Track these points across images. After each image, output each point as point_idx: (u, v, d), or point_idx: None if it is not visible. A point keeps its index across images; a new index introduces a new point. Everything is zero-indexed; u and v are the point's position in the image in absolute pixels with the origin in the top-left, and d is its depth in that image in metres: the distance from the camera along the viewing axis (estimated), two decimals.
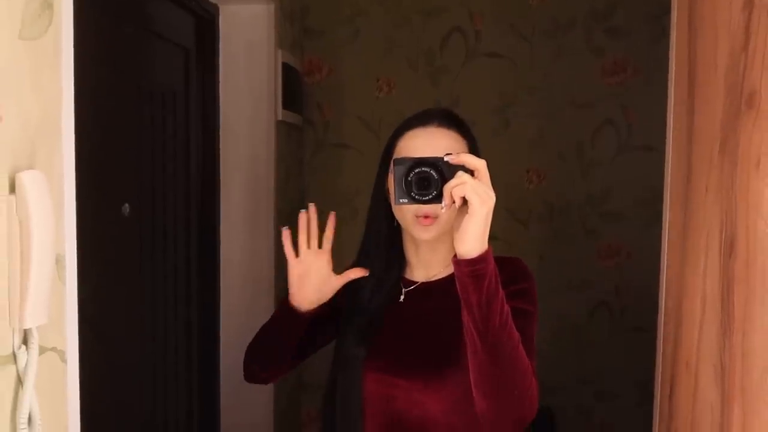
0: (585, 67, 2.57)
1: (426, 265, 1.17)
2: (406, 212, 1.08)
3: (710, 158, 0.98)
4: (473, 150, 1.11)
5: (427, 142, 1.07)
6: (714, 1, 0.98)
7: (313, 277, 1.14)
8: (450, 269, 1.12)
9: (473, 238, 0.90)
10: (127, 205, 1.52)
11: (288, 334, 1.17)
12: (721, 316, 0.93)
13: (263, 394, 2.10)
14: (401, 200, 0.98)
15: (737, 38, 0.90)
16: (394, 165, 0.99)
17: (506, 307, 0.94)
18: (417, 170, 0.96)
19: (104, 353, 1.39)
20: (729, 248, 0.90)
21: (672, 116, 1.16)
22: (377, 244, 1.18)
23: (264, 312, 2.12)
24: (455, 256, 0.93)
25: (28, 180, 0.77)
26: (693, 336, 1.03)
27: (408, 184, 0.97)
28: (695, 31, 1.06)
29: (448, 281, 1.12)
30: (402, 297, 1.17)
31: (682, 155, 1.11)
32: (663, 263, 1.19)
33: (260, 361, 1.23)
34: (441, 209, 0.94)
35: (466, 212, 0.91)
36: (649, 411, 2.54)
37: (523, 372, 0.95)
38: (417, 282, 1.18)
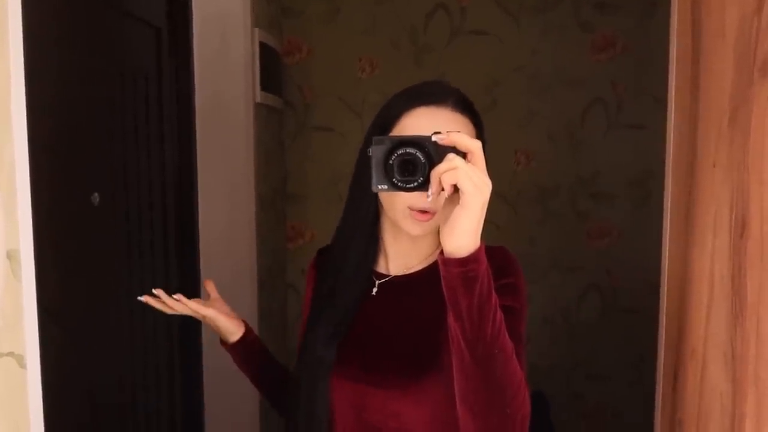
0: (573, 43, 2.50)
1: (404, 257, 1.04)
2: (399, 203, 0.94)
3: (718, 132, 0.91)
4: (479, 138, 0.96)
5: (441, 126, 0.88)
6: None
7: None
8: (428, 261, 1.03)
9: (465, 234, 0.77)
10: (96, 194, 1.42)
11: (242, 366, 1.18)
12: (731, 300, 0.87)
13: (247, 388, 2.04)
14: (380, 186, 0.83)
15: (748, 2, 0.83)
16: (372, 145, 0.83)
17: (499, 314, 0.82)
18: (400, 151, 0.81)
19: (74, 354, 1.31)
20: (740, 227, 0.85)
21: (673, 89, 1.09)
22: (360, 229, 1.04)
23: (246, 301, 2.06)
24: (441, 253, 0.80)
25: None
26: (700, 321, 0.97)
27: (389, 167, 0.82)
28: None
29: (425, 275, 1.02)
30: (375, 290, 1.04)
31: (684, 130, 1.05)
32: (664, 244, 1.13)
33: (261, 393, 1.24)
34: (427, 198, 0.80)
35: (457, 202, 0.77)
36: (641, 391, 2.51)
37: (516, 386, 0.83)
38: (390, 275, 1.05)
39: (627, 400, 2.57)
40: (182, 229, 1.90)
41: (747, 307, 0.84)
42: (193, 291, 1.95)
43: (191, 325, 1.95)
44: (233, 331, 1.14)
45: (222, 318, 1.13)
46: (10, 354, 0.81)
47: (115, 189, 1.53)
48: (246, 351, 1.15)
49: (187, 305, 1.12)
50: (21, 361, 0.83)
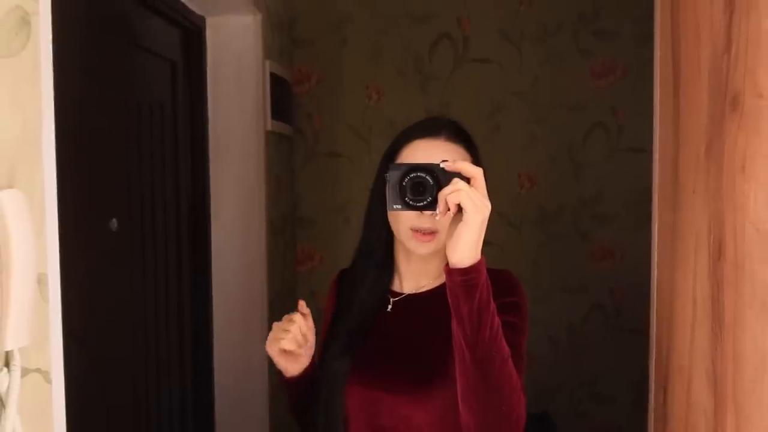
0: (574, 69, 2.58)
1: (416, 276, 1.15)
2: (402, 224, 1.06)
3: (697, 160, 0.97)
4: (476, 163, 1.07)
5: (433, 156, 1.03)
6: (696, 3, 0.98)
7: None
8: (438, 281, 1.12)
9: (467, 247, 0.89)
10: (114, 220, 1.50)
11: (294, 394, 1.18)
12: (711, 320, 0.92)
13: (258, 408, 2.09)
14: (395, 206, 0.97)
15: (719, 40, 0.90)
16: (389, 170, 0.98)
17: (497, 320, 0.92)
18: (412, 175, 0.95)
19: (94, 373, 1.38)
20: (717, 251, 0.90)
21: (658, 119, 1.16)
22: (375, 252, 1.16)
23: (257, 325, 2.11)
24: (447, 264, 0.91)
25: (6, 199, 0.75)
26: (685, 340, 1.02)
27: (402, 189, 0.95)
28: (678, 33, 1.06)
29: (436, 293, 1.11)
30: (390, 307, 1.15)
31: (669, 157, 1.11)
32: (653, 266, 1.19)
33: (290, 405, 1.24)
34: (435, 216, 0.92)
35: (461, 220, 0.89)
36: (645, 411, 2.52)
37: (512, 387, 0.93)
38: (404, 293, 1.16)
39: (631, 419, 2.59)
40: (195, 252, 1.97)
41: (725, 327, 0.89)
42: (205, 312, 2.01)
43: (203, 345, 2.01)
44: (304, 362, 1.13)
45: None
46: (38, 370, 0.87)
47: (132, 215, 1.61)
48: (306, 382, 1.15)
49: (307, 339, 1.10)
50: (47, 377, 0.89)
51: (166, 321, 1.80)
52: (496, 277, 0.95)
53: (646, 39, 2.59)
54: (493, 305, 0.91)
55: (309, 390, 1.16)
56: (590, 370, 2.64)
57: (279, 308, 2.36)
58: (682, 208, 1.04)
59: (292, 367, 1.11)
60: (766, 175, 0.80)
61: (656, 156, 1.16)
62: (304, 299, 2.96)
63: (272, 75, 2.19)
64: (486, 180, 0.92)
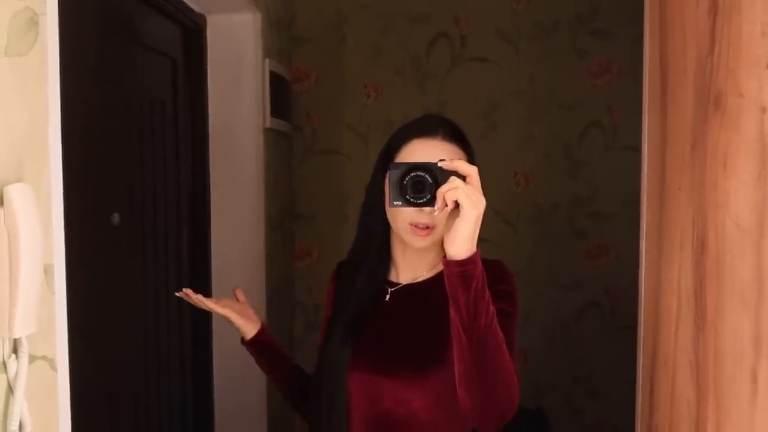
0: (570, 69, 2.60)
1: (412, 267, 1.20)
2: (400, 219, 1.11)
3: (682, 158, 1.00)
4: (471, 161, 1.13)
5: (431, 155, 1.08)
6: (682, 6, 1.01)
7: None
8: (434, 271, 1.18)
9: (463, 241, 0.94)
10: (116, 214, 1.53)
11: (260, 363, 1.32)
12: (694, 313, 0.95)
13: (256, 405, 2.12)
14: (396, 202, 1.02)
15: (704, 42, 0.93)
16: (390, 169, 1.04)
17: (492, 308, 0.97)
18: (412, 174, 1.00)
19: (96, 361, 1.41)
20: (700, 246, 0.93)
21: (647, 117, 1.19)
22: (373, 243, 1.21)
23: None
24: (445, 256, 0.96)
25: (15, 193, 0.79)
26: (670, 333, 1.05)
27: (403, 187, 1.01)
28: (666, 34, 1.09)
29: (432, 282, 1.17)
30: (387, 297, 1.20)
31: (656, 155, 1.14)
32: (641, 261, 1.22)
33: (284, 396, 1.36)
34: (434, 212, 0.98)
35: (458, 215, 0.94)
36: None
37: (506, 370, 0.99)
38: (401, 283, 1.21)
39: (626, 417, 2.62)
40: (195, 246, 2.00)
41: (707, 320, 0.92)
42: None
43: (202, 338, 2.04)
44: (248, 330, 1.29)
45: (235, 317, 1.29)
46: (44, 357, 0.90)
47: (133, 210, 1.64)
48: (259, 348, 1.30)
49: (203, 303, 1.29)
50: (53, 365, 0.92)
51: (167, 315, 1.83)
52: (489, 267, 1.01)
53: (641, 39, 2.63)
54: (488, 294, 0.96)
55: (273, 358, 1.31)
56: (585, 366, 2.67)
57: (277, 303, 2.40)
58: (668, 205, 1.07)
59: (241, 331, 1.29)
60: (746, 173, 0.83)
61: (645, 154, 1.20)
62: (301, 294, 3.02)
63: (271, 73, 2.21)
64: (481, 177, 0.96)
